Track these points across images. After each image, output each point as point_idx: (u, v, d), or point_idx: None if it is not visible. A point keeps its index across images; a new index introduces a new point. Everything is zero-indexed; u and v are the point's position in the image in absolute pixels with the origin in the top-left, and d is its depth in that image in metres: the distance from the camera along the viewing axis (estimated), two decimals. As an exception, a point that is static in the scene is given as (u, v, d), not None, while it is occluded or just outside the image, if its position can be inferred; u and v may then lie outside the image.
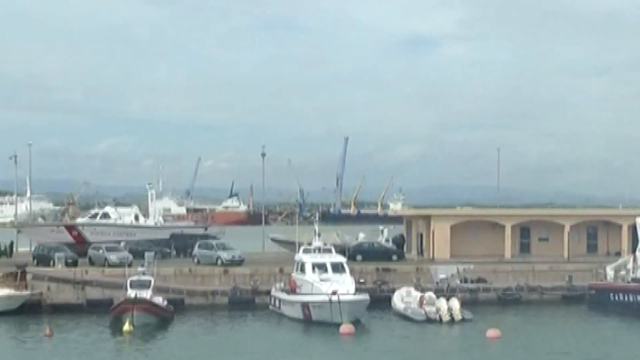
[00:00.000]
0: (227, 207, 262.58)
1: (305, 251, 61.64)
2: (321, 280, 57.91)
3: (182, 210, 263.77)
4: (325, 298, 55.09)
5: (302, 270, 59.84)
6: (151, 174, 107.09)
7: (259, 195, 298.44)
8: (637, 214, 69.36)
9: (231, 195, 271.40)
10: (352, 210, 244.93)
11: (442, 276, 66.08)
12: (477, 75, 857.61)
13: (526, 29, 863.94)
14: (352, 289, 57.02)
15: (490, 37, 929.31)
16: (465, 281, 67.67)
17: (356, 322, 54.63)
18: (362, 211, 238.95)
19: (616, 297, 62.44)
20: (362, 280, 66.39)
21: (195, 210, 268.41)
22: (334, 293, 54.93)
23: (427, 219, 77.13)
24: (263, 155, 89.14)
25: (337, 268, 59.33)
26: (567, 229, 76.18)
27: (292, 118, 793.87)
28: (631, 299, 60.92)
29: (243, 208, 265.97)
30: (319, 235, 63.63)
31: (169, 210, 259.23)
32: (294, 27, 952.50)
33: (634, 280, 61.83)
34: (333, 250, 62.06)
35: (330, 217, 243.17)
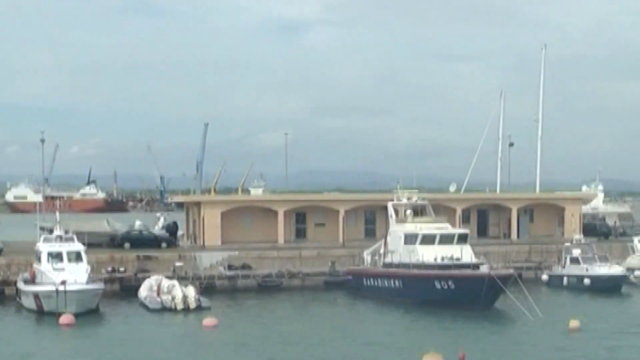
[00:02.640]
0: (84, 195, 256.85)
1: (46, 240, 59.14)
2: (55, 269, 55.54)
3: (39, 198, 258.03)
4: (53, 288, 52.72)
5: (40, 259, 57.32)
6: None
7: (121, 182, 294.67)
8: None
9: (89, 182, 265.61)
10: (212, 197, 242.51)
11: (178, 264, 64.16)
12: (350, 60, 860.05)
13: (397, 14, 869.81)
14: (84, 278, 54.57)
15: (362, 22, 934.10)
16: (229, 268, 66.02)
17: (87, 312, 52.52)
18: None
19: (369, 282, 61.61)
20: (122, 269, 64.49)
21: (52, 198, 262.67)
22: (63, 283, 52.64)
23: (199, 205, 75.24)
24: (42, 141, 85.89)
25: (73, 257, 56.87)
26: (341, 214, 75.21)
27: (158, 103, 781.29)
28: (380, 283, 60.11)
29: (101, 195, 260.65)
30: (59, 222, 60.91)
31: (25, 197, 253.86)
32: (162, 10, 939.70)
33: (385, 265, 61.02)
34: (75, 238, 59.44)
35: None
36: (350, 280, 64.14)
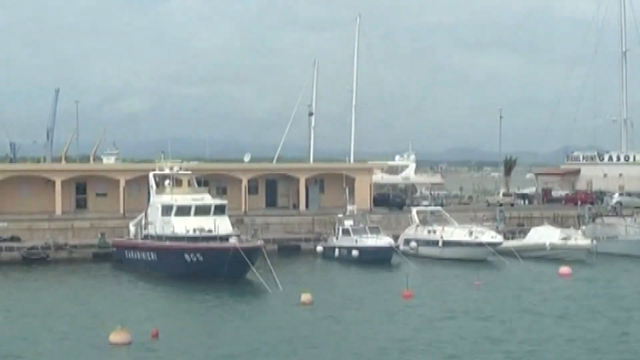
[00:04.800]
0: None
1: None
2: None
3: None
4: None
5: None
6: None
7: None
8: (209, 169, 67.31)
9: None
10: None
11: None
12: (211, 28, 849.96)
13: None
14: None
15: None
16: (-1, 240, 63.87)
17: None
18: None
19: (130, 254, 60.30)
20: None
21: None
22: None
23: (-30, 173, 72.57)
24: None
25: None
26: (122, 184, 73.43)
27: (9, 68, 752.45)
28: (139, 255, 58.84)
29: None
30: None
31: None
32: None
33: (144, 237, 59.72)
34: None
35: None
36: (114, 253, 62.70)
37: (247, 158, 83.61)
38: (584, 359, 34.49)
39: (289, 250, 68.16)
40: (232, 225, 60.29)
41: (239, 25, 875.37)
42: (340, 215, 67.25)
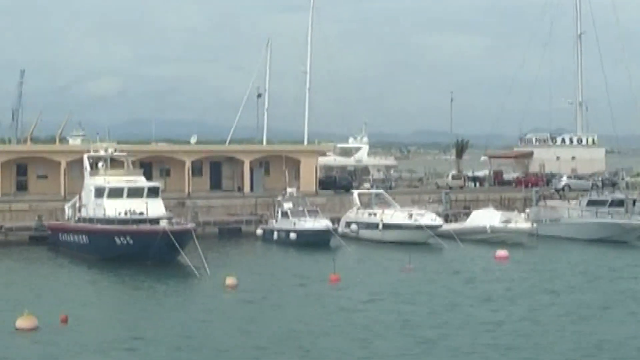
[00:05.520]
0: None
1: None
2: None
3: None
4: None
5: None
6: None
7: None
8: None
9: None
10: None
11: None
12: (180, 7, 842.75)
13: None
14: None
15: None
16: None
17: None
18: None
19: (64, 237, 59.81)
20: None
21: None
22: None
23: None
24: None
25: None
26: (63, 165, 72.67)
27: None
28: (72, 238, 58.38)
29: None
30: None
31: None
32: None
33: (78, 219, 59.22)
34: None
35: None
36: (49, 236, 62.15)
37: (193, 140, 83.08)
38: (494, 342, 34.26)
39: (229, 233, 67.94)
40: (172, 208, 60.00)
41: (209, 3, 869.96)
42: (279, 198, 66.97)
